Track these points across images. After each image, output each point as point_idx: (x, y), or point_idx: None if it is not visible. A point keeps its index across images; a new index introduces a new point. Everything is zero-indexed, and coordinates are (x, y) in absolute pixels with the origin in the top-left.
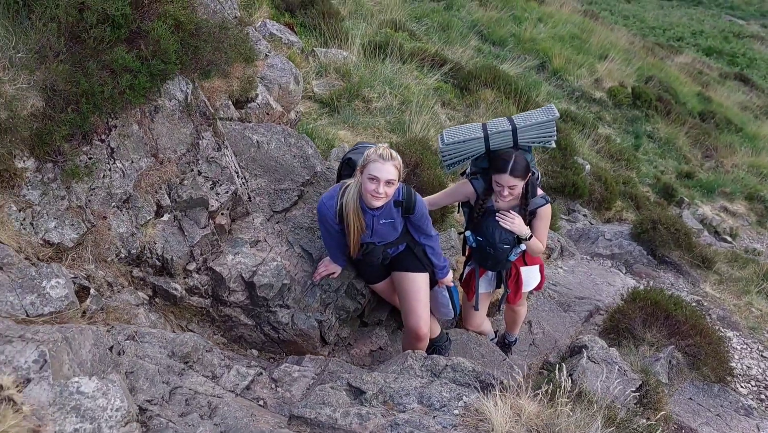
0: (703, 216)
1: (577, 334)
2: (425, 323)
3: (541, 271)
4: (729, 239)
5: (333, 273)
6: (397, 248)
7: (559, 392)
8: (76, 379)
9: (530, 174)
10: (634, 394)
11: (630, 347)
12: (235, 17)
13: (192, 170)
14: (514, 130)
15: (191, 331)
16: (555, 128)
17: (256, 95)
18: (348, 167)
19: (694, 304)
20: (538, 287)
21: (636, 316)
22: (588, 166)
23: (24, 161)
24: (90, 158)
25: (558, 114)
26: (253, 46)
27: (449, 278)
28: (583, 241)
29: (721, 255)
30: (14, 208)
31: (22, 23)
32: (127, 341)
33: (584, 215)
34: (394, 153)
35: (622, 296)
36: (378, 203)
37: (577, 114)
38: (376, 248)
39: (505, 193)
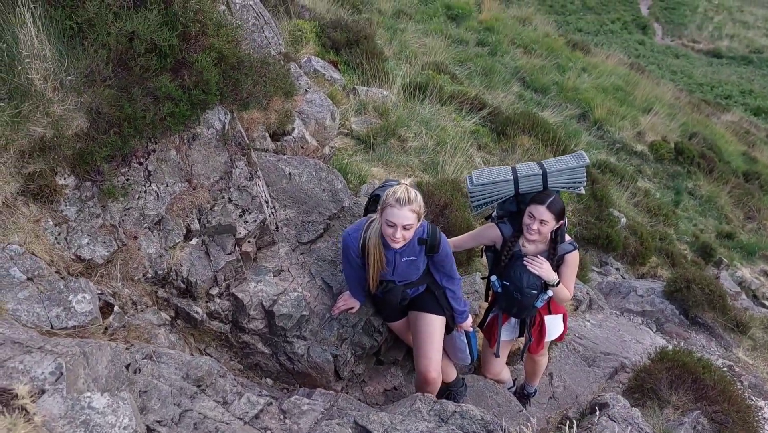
0: (742, 279)
1: (600, 390)
2: (435, 367)
3: (565, 321)
4: None
5: (351, 308)
6: (417, 288)
7: None
8: (89, 394)
9: (563, 220)
10: None
11: (654, 408)
12: (280, 52)
13: (223, 197)
14: (544, 175)
15: (209, 355)
16: (585, 174)
17: (293, 129)
18: (374, 203)
19: (724, 369)
20: (560, 338)
21: (662, 376)
22: (624, 219)
23: (65, 178)
24: (127, 180)
25: (588, 161)
26: (294, 81)
27: (468, 323)
28: (613, 295)
29: (756, 320)
30: (51, 223)
31: (75, 48)
32: (144, 360)
33: (617, 269)
34: (413, 195)
35: (649, 355)
36: (397, 246)
37: (616, 166)
38: (396, 288)
39: (534, 227)
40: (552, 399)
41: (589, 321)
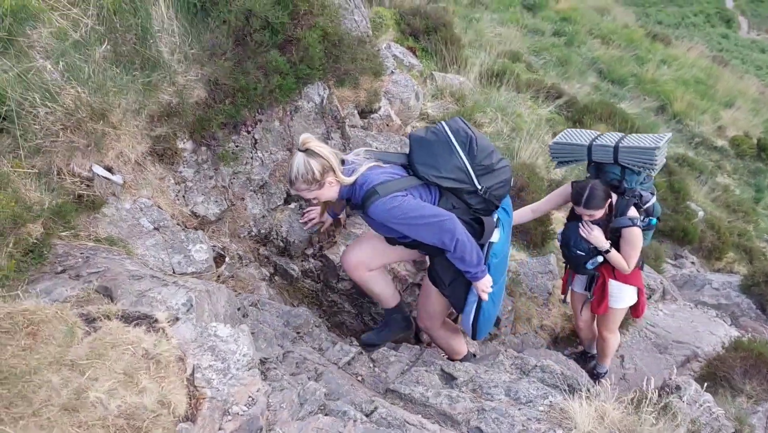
0: None
1: (671, 376)
2: (422, 316)
3: (640, 296)
4: None
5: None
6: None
7: (645, 402)
8: (214, 324)
9: (609, 199)
10: None
11: (726, 396)
12: (368, 35)
13: None
14: (616, 149)
15: None
16: (656, 157)
17: (380, 107)
18: None
19: None
20: (636, 313)
21: (736, 365)
22: (701, 213)
23: (184, 142)
24: (237, 146)
25: (661, 144)
26: (382, 62)
27: (482, 284)
28: (688, 287)
29: None
30: (172, 181)
31: (198, 24)
32: (251, 307)
33: (692, 262)
34: (294, 171)
35: (723, 344)
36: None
37: (694, 160)
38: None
39: (585, 218)
40: (623, 380)
41: (661, 310)
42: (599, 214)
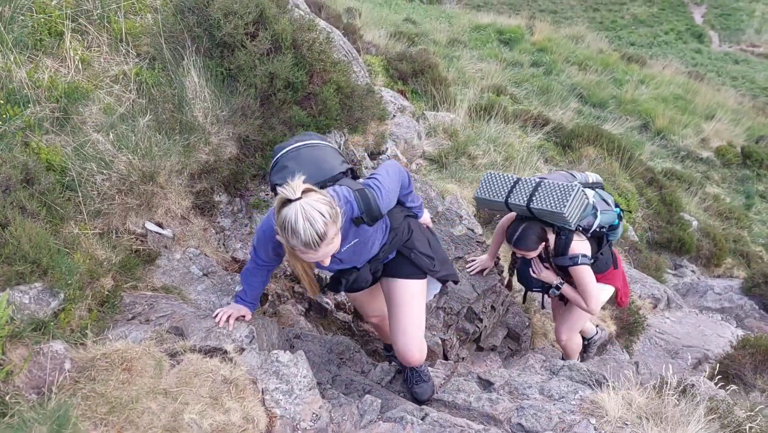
0: None
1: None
2: (417, 344)
3: (618, 293)
4: None
5: (243, 316)
6: (387, 257)
7: (666, 387)
8: (275, 351)
9: (543, 242)
10: None
11: (740, 392)
12: (367, 84)
13: None
14: (530, 209)
15: None
16: (567, 218)
17: (387, 148)
18: (273, 190)
19: None
20: (620, 302)
21: (746, 362)
22: (695, 223)
23: (219, 195)
24: (267, 195)
25: (569, 201)
26: (385, 107)
27: (427, 218)
28: (691, 295)
29: None
30: (213, 232)
31: (225, 90)
32: (296, 339)
33: (692, 271)
34: (320, 223)
35: (731, 343)
36: (326, 264)
37: (682, 173)
38: (360, 272)
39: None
40: (622, 382)
41: (668, 318)
42: (533, 254)
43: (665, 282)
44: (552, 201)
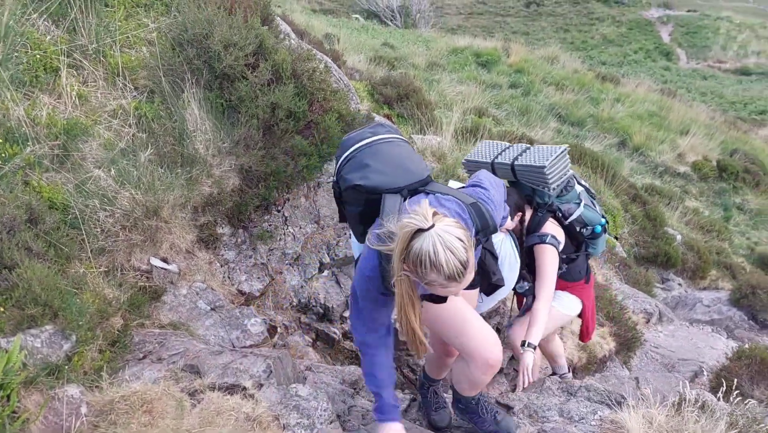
0: None
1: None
2: (495, 342)
3: (585, 312)
4: None
5: None
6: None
7: (685, 403)
8: (294, 385)
9: (520, 213)
10: None
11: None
12: (367, 111)
13: (345, 234)
14: (512, 167)
15: None
16: (547, 175)
17: None
18: (356, 192)
19: None
20: (583, 337)
21: (742, 373)
22: (679, 237)
23: (222, 228)
24: (270, 225)
25: (552, 159)
26: None
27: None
28: (680, 308)
29: None
30: (218, 265)
31: (226, 122)
32: (307, 371)
33: (679, 284)
34: (462, 252)
35: (726, 355)
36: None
37: (662, 188)
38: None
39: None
40: (641, 401)
41: (661, 332)
42: (511, 224)
43: (655, 296)
44: (535, 158)
